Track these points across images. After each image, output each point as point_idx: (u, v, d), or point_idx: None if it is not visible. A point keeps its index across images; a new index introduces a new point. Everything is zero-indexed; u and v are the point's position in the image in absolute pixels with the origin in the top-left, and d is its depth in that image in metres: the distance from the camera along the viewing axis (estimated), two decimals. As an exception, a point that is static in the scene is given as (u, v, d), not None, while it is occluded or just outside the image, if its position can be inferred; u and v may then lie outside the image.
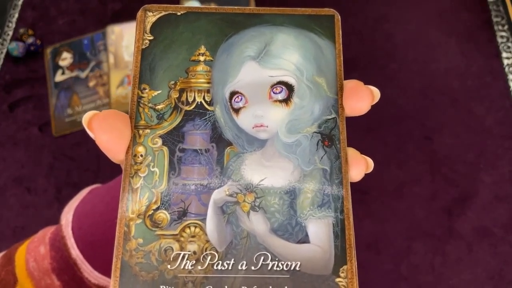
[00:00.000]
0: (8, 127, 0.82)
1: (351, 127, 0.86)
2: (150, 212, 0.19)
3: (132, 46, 0.85)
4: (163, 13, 0.21)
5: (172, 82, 0.20)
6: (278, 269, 0.18)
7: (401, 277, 0.64)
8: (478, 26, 0.79)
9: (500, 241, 0.64)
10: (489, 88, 0.74)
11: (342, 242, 0.18)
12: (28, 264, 0.31)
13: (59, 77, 0.85)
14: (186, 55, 0.21)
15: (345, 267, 0.18)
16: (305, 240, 0.18)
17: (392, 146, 0.72)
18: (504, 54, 0.76)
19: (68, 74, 0.85)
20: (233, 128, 0.20)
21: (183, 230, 0.19)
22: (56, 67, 0.86)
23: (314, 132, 0.20)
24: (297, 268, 0.18)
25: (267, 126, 0.20)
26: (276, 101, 0.20)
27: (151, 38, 0.21)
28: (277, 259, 0.18)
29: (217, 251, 0.18)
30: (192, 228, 0.19)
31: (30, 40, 0.87)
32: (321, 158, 0.19)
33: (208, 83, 0.20)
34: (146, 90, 0.20)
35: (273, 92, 0.20)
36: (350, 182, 0.20)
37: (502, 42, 0.77)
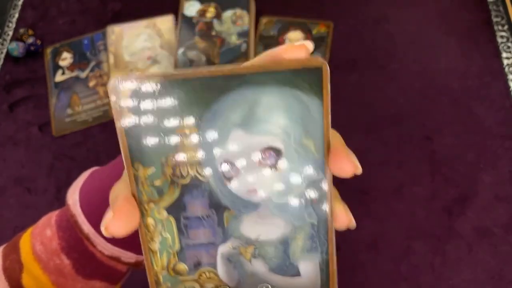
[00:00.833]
0: (8, 127, 0.83)
1: (351, 127, 0.86)
2: (172, 265, 0.23)
3: (132, 46, 0.85)
4: (136, 83, 0.20)
5: (163, 158, 0.21)
6: None
7: (401, 277, 0.64)
8: (478, 26, 0.79)
9: (500, 241, 0.64)
10: (489, 88, 0.74)
11: (327, 274, 0.22)
12: (35, 247, 0.31)
13: (59, 77, 0.85)
14: (172, 129, 0.21)
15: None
16: (297, 274, 0.22)
17: (392, 146, 0.72)
18: (504, 54, 0.76)
19: (68, 74, 0.85)
20: (228, 195, 0.22)
21: (200, 275, 0.23)
22: (56, 67, 0.86)
23: (304, 191, 0.21)
24: None
25: (259, 191, 0.21)
26: (266, 166, 0.21)
27: (130, 115, 0.20)
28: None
29: (229, 286, 0.23)
30: (207, 273, 0.23)
31: (30, 40, 0.87)
32: (310, 214, 0.22)
33: (198, 155, 0.21)
34: (140, 169, 0.21)
35: (262, 158, 0.21)
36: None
37: (502, 42, 0.77)
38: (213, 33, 0.83)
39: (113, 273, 0.32)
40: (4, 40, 0.90)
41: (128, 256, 0.31)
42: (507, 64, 0.75)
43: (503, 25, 0.79)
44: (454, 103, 0.74)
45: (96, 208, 0.30)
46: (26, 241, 0.32)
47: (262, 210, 0.22)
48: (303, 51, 0.20)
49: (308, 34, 0.81)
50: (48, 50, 0.88)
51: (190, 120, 0.21)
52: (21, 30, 0.88)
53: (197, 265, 0.23)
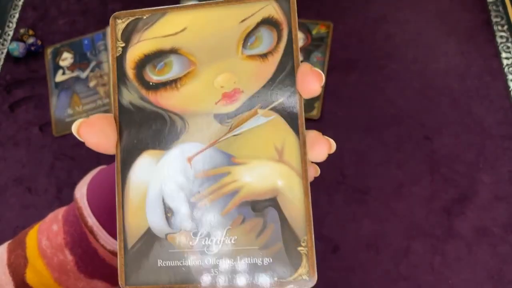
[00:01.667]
0: (9, 127, 0.83)
1: (351, 127, 0.86)
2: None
3: (132, 46, 0.85)
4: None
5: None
6: None
7: (400, 277, 0.64)
8: (478, 26, 0.79)
9: (499, 241, 0.64)
10: (488, 88, 0.74)
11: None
12: (41, 243, 0.31)
13: (59, 77, 0.85)
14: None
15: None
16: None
17: (392, 146, 0.72)
18: (503, 54, 0.76)
19: (69, 74, 0.85)
20: None
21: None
22: (57, 67, 0.86)
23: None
24: None
25: None
26: None
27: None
28: None
29: None
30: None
31: (31, 40, 0.87)
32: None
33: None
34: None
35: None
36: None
37: (501, 42, 0.77)
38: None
39: (115, 273, 0.32)
40: (5, 40, 0.90)
41: None
42: (507, 64, 0.75)
43: (502, 25, 0.79)
44: (454, 103, 0.74)
45: (102, 202, 0.30)
46: (33, 236, 0.32)
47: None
48: None
49: (308, 34, 0.82)
50: (49, 50, 0.88)
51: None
52: (22, 30, 0.89)
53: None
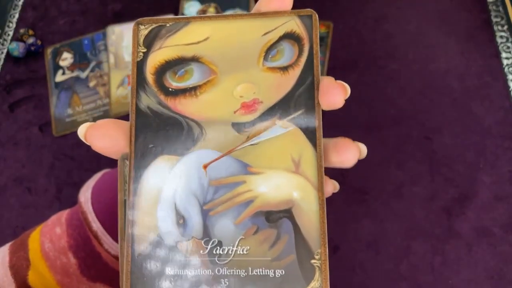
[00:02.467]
0: (9, 127, 0.83)
1: (351, 127, 0.86)
2: None
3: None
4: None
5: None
6: None
7: (400, 277, 0.64)
8: (478, 26, 0.79)
9: (499, 241, 0.64)
10: (488, 88, 0.74)
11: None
12: (44, 245, 0.31)
13: (59, 77, 0.85)
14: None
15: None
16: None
17: (392, 146, 0.72)
18: (503, 54, 0.76)
19: (69, 74, 0.85)
20: None
21: None
22: (57, 67, 0.86)
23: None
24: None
25: None
26: None
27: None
28: None
29: None
30: None
31: (31, 40, 0.87)
32: None
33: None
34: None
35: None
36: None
37: (501, 42, 0.77)
38: (213, 33, 0.83)
39: (117, 277, 0.32)
40: (5, 40, 0.90)
41: None
42: (507, 64, 0.75)
43: (502, 25, 0.79)
44: (454, 103, 0.74)
45: (106, 207, 0.30)
46: (35, 239, 0.32)
47: None
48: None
49: (308, 34, 0.82)
50: (49, 50, 0.88)
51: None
52: (22, 30, 0.89)
53: None
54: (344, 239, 0.67)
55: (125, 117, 0.41)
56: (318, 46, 0.22)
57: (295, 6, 0.22)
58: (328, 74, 0.76)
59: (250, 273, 0.20)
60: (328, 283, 0.20)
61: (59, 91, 0.84)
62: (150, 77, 0.22)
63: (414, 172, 0.70)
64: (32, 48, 0.87)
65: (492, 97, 0.73)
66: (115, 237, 0.30)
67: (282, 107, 0.21)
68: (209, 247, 0.20)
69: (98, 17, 0.90)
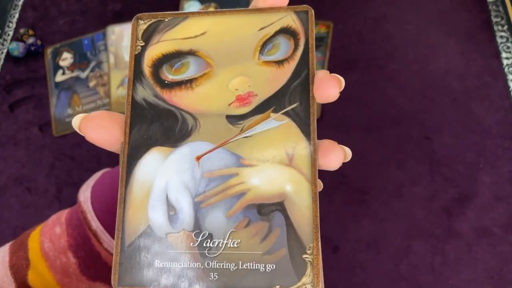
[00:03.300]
0: (9, 127, 0.83)
1: (351, 127, 0.86)
2: None
3: (132, 46, 0.85)
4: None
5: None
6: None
7: (400, 277, 0.64)
8: (478, 26, 0.79)
9: (499, 241, 0.64)
10: (488, 88, 0.74)
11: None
12: (43, 245, 0.31)
13: (59, 77, 0.85)
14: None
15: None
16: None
17: (392, 146, 0.72)
18: (503, 54, 0.76)
19: (69, 74, 0.85)
20: None
21: None
22: (57, 67, 0.86)
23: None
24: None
25: None
26: None
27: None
28: None
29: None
30: None
31: (31, 40, 0.87)
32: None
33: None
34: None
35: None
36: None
37: (501, 42, 0.77)
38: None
39: None
40: (5, 40, 0.90)
41: None
42: (507, 64, 0.75)
43: (502, 25, 0.79)
44: (454, 103, 0.74)
45: (105, 206, 0.30)
46: (35, 238, 0.32)
47: None
48: None
49: (308, 34, 0.82)
50: (49, 50, 0.88)
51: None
52: (22, 30, 0.89)
53: None
54: (344, 239, 0.67)
55: (125, 117, 0.41)
56: (314, 41, 0.22)
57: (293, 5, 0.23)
58: (328, 74, 0.76)
59: (240, 267, 0.19)
60: (321, 278, 0.19)
61: (59, 91, 0.84)
62: (147, 70, 0.22)
63: (414, 172, 0.70)
64: (32, 48, 0.87)
65: (492, 97, 0.73)
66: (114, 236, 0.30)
67: (277, 100, 0.21)
68: (199, 239, 0.20)
69: (98, 17, 0.90)
